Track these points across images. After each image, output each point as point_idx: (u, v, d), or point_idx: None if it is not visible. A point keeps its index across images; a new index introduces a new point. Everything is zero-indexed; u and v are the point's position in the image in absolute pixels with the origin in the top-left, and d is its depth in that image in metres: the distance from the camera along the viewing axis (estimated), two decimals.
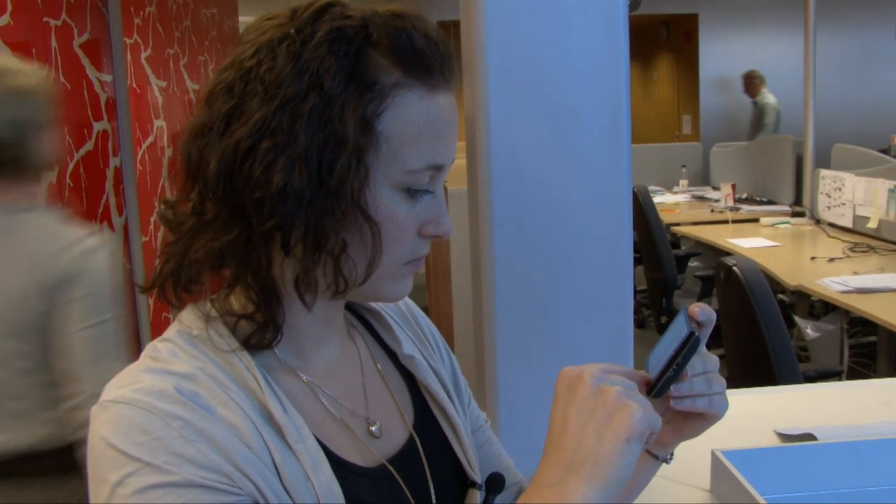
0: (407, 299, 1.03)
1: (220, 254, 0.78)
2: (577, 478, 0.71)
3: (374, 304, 0.99)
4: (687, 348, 0.82)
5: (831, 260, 3.97)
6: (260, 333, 0.80)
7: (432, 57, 0.78)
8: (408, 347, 0.96)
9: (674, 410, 0.87)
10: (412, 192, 0.80)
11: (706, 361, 0.86)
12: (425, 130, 0.78)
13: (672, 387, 0.84)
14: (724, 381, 0.87)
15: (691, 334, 0.82)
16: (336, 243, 0.76)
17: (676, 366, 0.82)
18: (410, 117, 0.77)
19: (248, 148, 0.74)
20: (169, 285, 0.81)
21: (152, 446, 0.70)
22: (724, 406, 0.87)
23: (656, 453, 0.94)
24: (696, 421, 0.89)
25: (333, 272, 0.78)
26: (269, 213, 0.74)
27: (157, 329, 3.49)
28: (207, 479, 0.70)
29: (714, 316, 0.87)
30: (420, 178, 0.79)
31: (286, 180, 0.73)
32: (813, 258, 4.08)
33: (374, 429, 0.88)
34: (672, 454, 0.96)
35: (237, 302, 0.82)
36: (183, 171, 0.80)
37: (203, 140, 0.77)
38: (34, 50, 2.47)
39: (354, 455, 0.84)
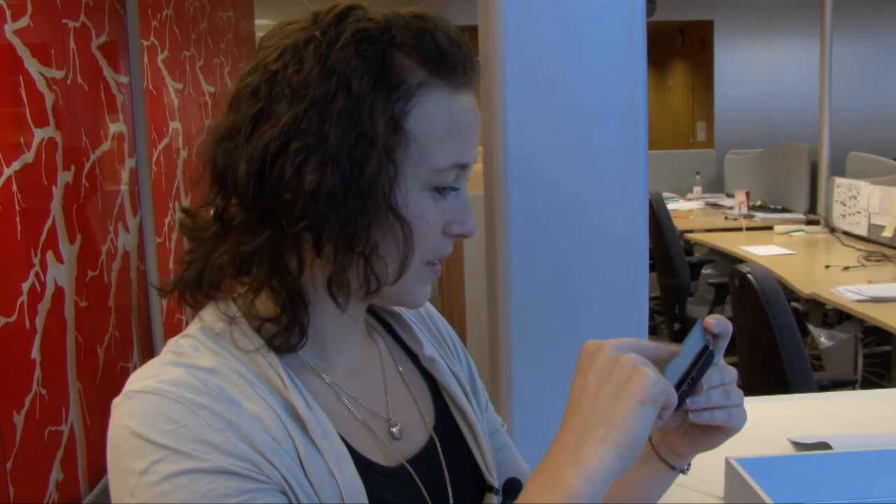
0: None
1: (246, 258, 0.78)
2: (592, 439, 0.72)
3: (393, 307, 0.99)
4: (702, 362, 0.81)
5: (846, 268, 3.94)
6: (285, 336, 0.80)
7: (455, 57, 0.79)
8: (429, 349, 0.97)
9: (691, 423, 0.87)
10: (439, 190, 0.80)
11: (724, 373, 0.86)
12: (451, 129, 0.79)
13: (688, 400, 0.84)
14: (741, 394, 0.87)
15: (706, 347, 0.82)
16: (368, 243, 0.77)
17: (691, 380, 0.81)
18: (437, 116, 0.78)
19: (278, 149, 0.74)
20: (188, 290, 0.81)
21: (180, 434, 0.70)
22: (743, 419, 0.87)
23: (673, 464, 0.93)
24: (713, 433, 0.88)
25: (365, 272, 0.78)
26: (300, 214, 0.75)
27: (170, 331, 3.50)
28: (237, 466, 0.70)
29: (730, 327, 0.86)
30: (446, 176, 0.80)
31: (319, 180, 0.73)
32: (827, 266, 4.06)
33: (394, 430, 0.88)
34: (689, 465, 0.95)
35: (261, 304, 0.82)
36: (208, 176, 0.80)
37: (229, 144, 0.77)
38: (53, 51, 2.49)
39: (375, 455, 0.84)
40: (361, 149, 0.74)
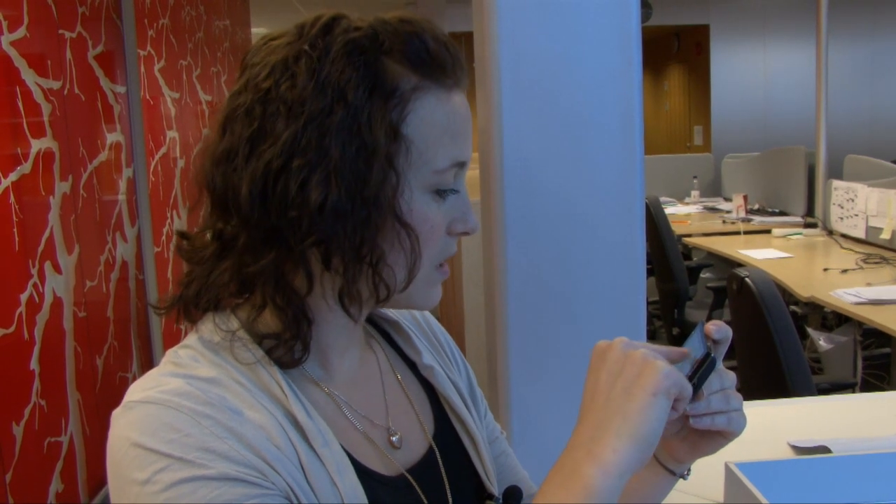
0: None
1: (250, 278, 0.78)
2: (607, 433, 0.73)
3: (392, 315, 0.99)
4: (703, 369, 0.82)
5: (844, 271, 3.94)
6: (287, 350, 0.80)
7: (444, 58, 0.80)
8: (427, 358, 0.97)
9: (691, 428, 0.87)
10: (441, 193, 0.81)
11: (723, 378, 0.86)
12: (447, 130, 0.80)
13: (689, 406, 0.84)
14: (741, 398, 0.87)
15: (707, 355, 0.82)
16: (375, 253, 0.77)
17: (693, 386, 0.81)
18: (433, 119, 0.79)
19: (280, 168, 0.74)
20: (186, 309, 0.82)
21: (183, 443, 0.70)
22: (743, 423, 0.87)
23: (673, 469, 0.93)
24: (713, 438, 0.89)
25: (374, 281, 0.78)
26: (308, 230, 0.75)
27: (169, 340, 3.50)
28: (241, 473, 0.70)
29: (730, 333, 0.87)
30: (446, 176, 0.80)
31: (324, 195, 0.74)
32: (825, 269, 4.05)
33: (394, 439, 0.88)
34: (689, 470, 0.95)
35: (263, 320, 0.82)
36: (206, 200, 0.80)
37: (228, 166, 0.77)
38: (49, 62, 2.49)
39: (376, 464, 0.84)
40: (363, 160, 0.75)
